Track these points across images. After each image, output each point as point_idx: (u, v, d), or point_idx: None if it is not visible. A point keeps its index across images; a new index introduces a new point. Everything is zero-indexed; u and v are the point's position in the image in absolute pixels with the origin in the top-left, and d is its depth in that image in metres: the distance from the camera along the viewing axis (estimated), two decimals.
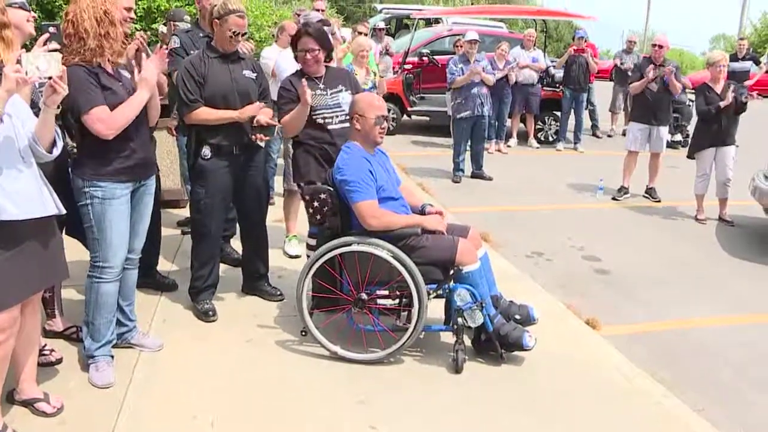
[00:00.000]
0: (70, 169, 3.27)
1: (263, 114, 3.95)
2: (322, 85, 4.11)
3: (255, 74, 4.06)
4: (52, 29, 3.10)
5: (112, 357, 3.40)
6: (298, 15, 6.70)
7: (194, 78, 3.83)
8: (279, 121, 4.05)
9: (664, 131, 7.83)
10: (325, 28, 4.33)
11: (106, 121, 3.09)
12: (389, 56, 11.33)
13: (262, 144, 4.09)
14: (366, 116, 3.63)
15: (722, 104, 6.81)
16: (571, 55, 10.78)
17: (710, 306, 4.97)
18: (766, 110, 15.92)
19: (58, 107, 2.77)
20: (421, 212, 3.95)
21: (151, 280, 4.38)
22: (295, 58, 4.19)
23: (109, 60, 3.16)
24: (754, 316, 4.84)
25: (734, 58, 12.07)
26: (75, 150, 3.29)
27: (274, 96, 4.38)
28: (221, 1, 3.86)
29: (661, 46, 7.76)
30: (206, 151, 3.92)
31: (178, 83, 3.89)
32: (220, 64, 3.91)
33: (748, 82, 11.74)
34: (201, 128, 3.91)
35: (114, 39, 3.14)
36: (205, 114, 3.85)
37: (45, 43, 2.97)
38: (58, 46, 2.96)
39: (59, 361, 3.44)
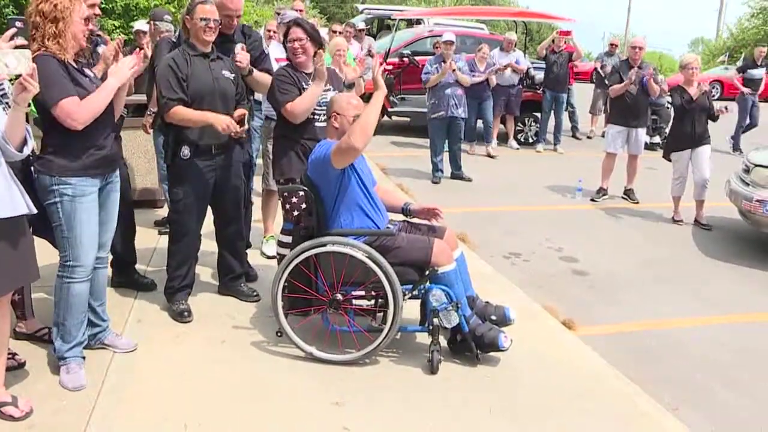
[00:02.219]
0: (33, 168, 3.20)
1: (238, 111, 4.00)
2: (311, 82, 4.10)
3: (233, 75, 4.05)
4: (19, 24, 3.03)
5: (84, 358, 3.34)
6: (279, 14, 6.70)
7: (177, 76, 3.80)
8: (284, 108, 4.03)
9: (642, 133, 7.89)
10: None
11: (76, 113, 3.03)
12: (371, 57, 11.30)
13: (244, 135, 4.05)
14: (345, 114, 3.64)
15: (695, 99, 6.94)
16: (552, 53, 10.79)
17: (686, 306, 5.01)
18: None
19: (29, 104, 2.73)
20: (403, 211, 3.95)
21: (128, 279, 4.36)
22: (287, 50, 4.19)
23: (70, 57, 3.09)
24: (730, 316, 4.89)
25: (752, 65, 11.90)
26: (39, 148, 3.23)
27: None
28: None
29: (640, 48, 7.83)
30: (186, 150, 3.89)
31: (160, 80, 3.84)
32: (201, 63, 3.89)
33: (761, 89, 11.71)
34: (180, 127, 3.88)
35: (76, 36, 3.08)
36: (185, 113, 3.80)
37: (12, 38, 2.92)
38: (25, 42, 2.92)
39: (22, 365, 3.35)
